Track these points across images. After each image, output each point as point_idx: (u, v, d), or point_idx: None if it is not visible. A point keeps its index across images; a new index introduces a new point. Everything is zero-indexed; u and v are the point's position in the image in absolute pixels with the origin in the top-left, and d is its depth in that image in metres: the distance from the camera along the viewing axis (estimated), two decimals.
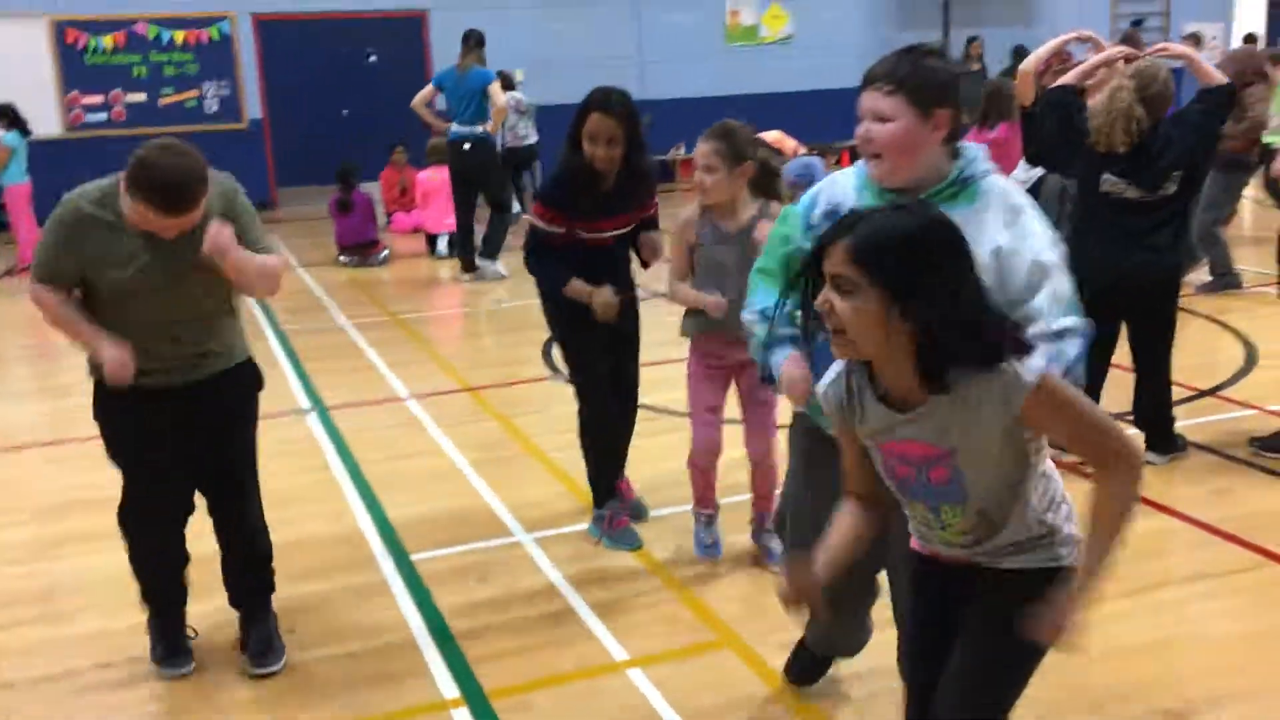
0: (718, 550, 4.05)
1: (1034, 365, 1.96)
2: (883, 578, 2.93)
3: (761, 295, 2.72)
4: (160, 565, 3.49)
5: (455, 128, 9.42)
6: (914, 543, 2.27)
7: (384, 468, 5.10)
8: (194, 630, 3.61)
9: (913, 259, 1.90)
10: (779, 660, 3.30)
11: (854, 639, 3.14)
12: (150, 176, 2.92)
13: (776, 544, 3.89)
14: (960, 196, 2.39)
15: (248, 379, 3.47)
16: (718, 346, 3.84)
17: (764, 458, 3.97)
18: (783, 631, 3.47)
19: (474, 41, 9.56)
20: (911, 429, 2.01)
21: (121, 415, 3.29)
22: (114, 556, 3.67)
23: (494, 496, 4.72)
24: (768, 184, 3.80)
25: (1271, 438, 4.85)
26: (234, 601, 3.60)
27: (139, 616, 3.62)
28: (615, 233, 4.08)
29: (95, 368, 3.23)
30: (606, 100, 3.87)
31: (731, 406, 4.03)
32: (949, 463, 2.02)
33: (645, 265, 4.27)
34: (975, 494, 2.05)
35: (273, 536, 3.94)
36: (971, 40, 15.27)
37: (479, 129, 9.33)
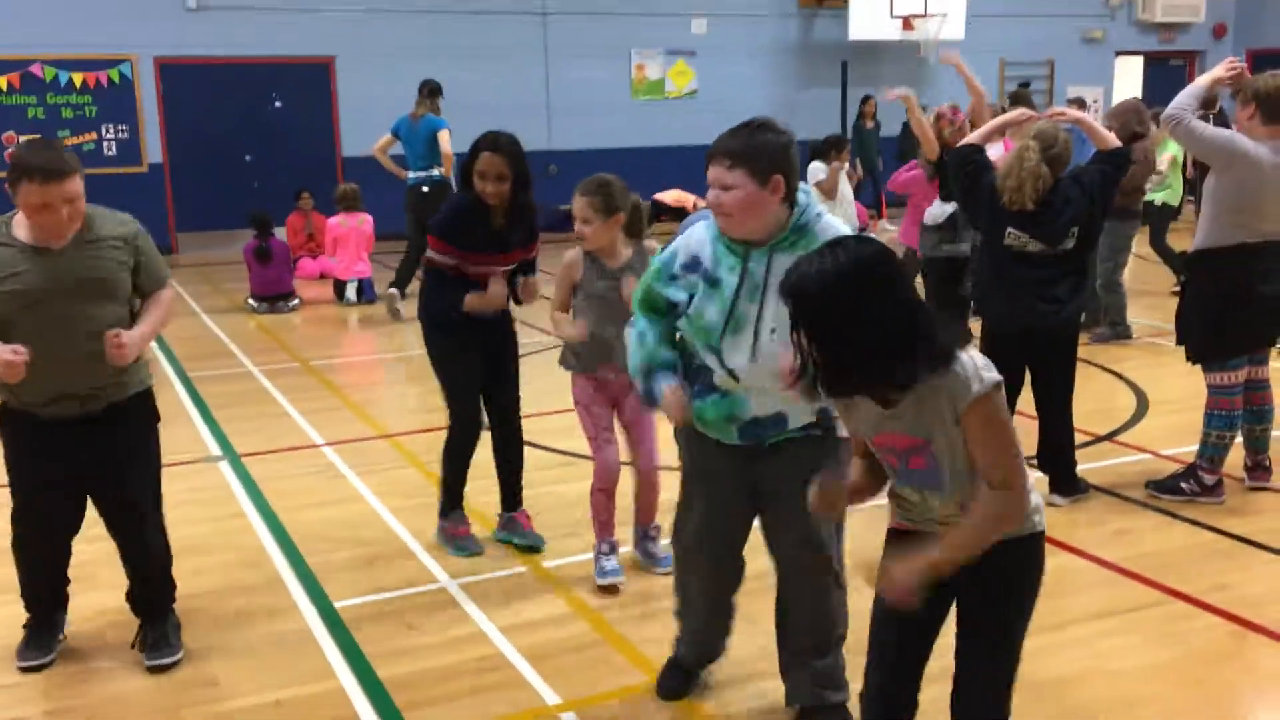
0: (620, 573, 4.24)
1: (989, 378, 2.24)
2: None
3: (639, 323, 3.15)
4: (37, 575, 3.76)
5: (412, 174, 9.91)
6: (895, 522, 2.55)
7: (301, 515, 5.04)
8: (64, 636, 3.84)
9: (837, 298, 2.19)
10: (710, 702, 3.36)
11: (720, 641, 3.45)
12: (27, 157, 3.35)
13: (660, 549, 4.29)
14: (799, 242, 2.86)
15: (144, 410, 3.70)
16: (600, 374, 4.21)
17: (650, 470, 4.30)
18: (712, 672, 3.54)
19: (428, 91, 10.16)
20: (893, 423, 2.33)
21: (16, 432, 3.57)
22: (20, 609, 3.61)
23: (416, 543, 4.70)
24: (639, 227, 4.18)
25: (1166, 480, 5.09)
26: (135, 610, 3.84)
27: (61, 668, 3.63)
28: (501, 268, 4.43)
29: (2, 386, 3.48)
30: (495, 141, 4.25)
31: None
32: (927, 452, 2.32)
33: (519, 303, 4.60)
34: (951, 482, 2.34)
35: (189, 585, 4.10)
36: (865, 99, 15.78)
37: (435, 172, 9.81)
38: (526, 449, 4.71)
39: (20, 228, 3.46)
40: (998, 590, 2.43)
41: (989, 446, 2.26)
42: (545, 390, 5.64)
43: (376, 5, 14.60)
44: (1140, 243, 9.92)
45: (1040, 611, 3.92)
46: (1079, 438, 5.27)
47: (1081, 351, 7.41)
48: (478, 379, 4.54)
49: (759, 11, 16.78)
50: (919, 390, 2.24)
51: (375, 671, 3.65)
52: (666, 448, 4.02)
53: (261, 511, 5.11)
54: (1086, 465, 5.30)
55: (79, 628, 3.93)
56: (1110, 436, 6.00)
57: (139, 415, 3.67)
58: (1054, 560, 4.41)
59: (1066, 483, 5.02)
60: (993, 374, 2.25)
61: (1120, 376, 7.24)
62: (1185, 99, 4.65)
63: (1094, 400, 6.55)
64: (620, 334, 3.98)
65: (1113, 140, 4.86)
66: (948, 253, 6.52)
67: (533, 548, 4.57)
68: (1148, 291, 9.95)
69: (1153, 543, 4.60)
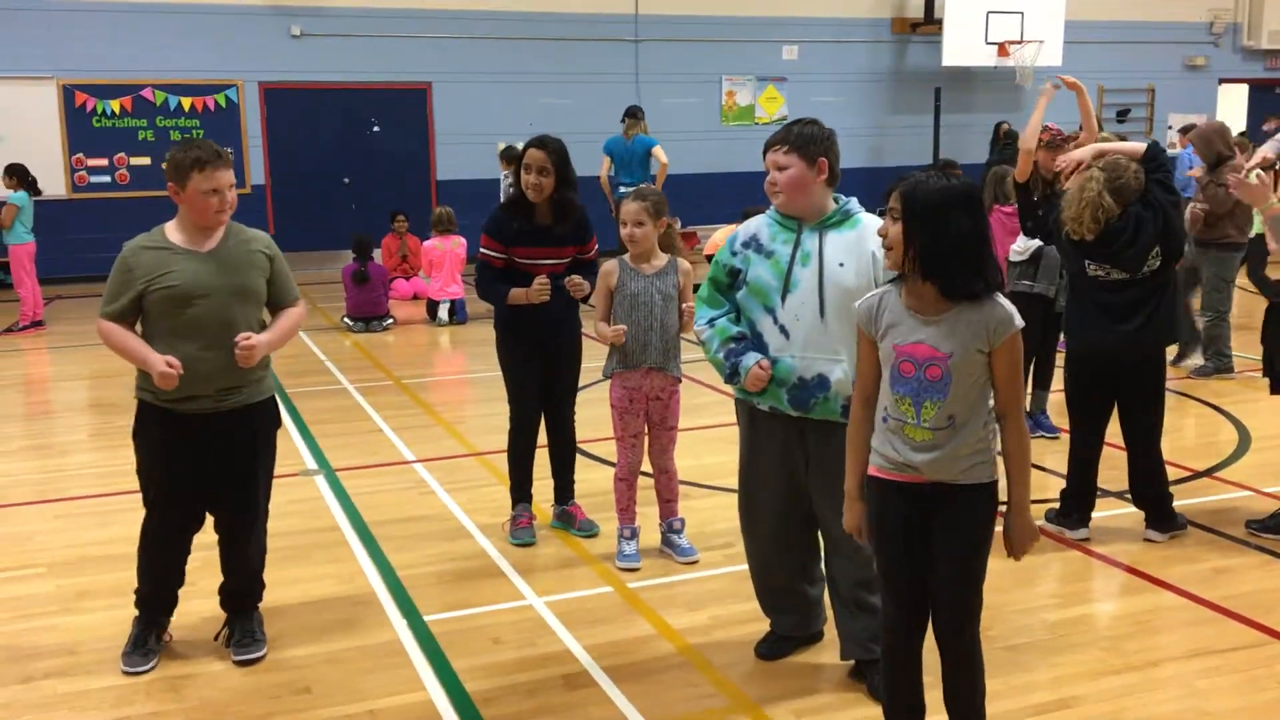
0: (637, 559, 4.69)
1: (1019, 319, 2.77)
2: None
3: (704, 312, 3.70)
4: (158, 574, 3.89)
5: (622, 189, 10.88)
6: (875, 470, 2.94)
7: (393, 529, 5.15)
8: (169, 638, 3.99)
9: (936, 207, 2.73)
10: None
11: (803, 612, 3.87)
12: (192, 151, 3.67)
13: (684, 541, 4.74)
14: (845, 224, 3.52)
15: (270, 415, 3.92)
16: (635, 379, 4.60)
17: (669, 464, 4.74)
18: (794, 695, 3.55)
19: (639, 114, 11.51)
20: (923, 334, 2.79)
21: (156, 434, 3.74)
22: (127, 613, 3.73)
23: (504, 560, 4.77)
24: (671, 243, 4.66)
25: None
26: (226, 607, 4.02)
27: (161, 672, 3.72)
28: (549, 262, 4.77)
29: (142, 387, 3.73)
30: (543, 141, 4.75)
31: None
32: (944, 365, 2.78)
33: (585, 301, 4.89)
34: (953, 394, 2.78)
35: (284, 595, 4.30)
36: (1001, 124, 15.63)
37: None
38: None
39: (173, 233, 3.72)
40: (968, 528, 2.87)
41: (1011, 373, 2.79)
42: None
43: (472, 32, 14.90)
44: (1240, 274, 9.67)
45: (1135, 648, 3.89)
46: (1178, 473, 5.16)
47: (1182, 386, 7.24)
48: (534, 380, 4.92)
49: (851, 38, 16.76)
50: (964, 310, 2.75)
51: (463, 685, 3.71)
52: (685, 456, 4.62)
53: (355, 525, 5.22)
54: (1184, 501, 5.18)
55: (180, 634, 4.05)
56: (1210, 472, 5.85)
57: (269, 417, 3.91)
58: (1149, 597, 4.36)
59: (1163, 518, 4.92)
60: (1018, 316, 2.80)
61: (1221, 411, 7.05)
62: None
63: (1194, 435, 6.40)
64: (654, 333, 4.52)
65: (1134, 147, 4.87)
66: (1025, 289, 6.39)
67: (588, 535, 5.01)
68: (1250, 325, 9.67)
69: (1252, 582, 4.48)
